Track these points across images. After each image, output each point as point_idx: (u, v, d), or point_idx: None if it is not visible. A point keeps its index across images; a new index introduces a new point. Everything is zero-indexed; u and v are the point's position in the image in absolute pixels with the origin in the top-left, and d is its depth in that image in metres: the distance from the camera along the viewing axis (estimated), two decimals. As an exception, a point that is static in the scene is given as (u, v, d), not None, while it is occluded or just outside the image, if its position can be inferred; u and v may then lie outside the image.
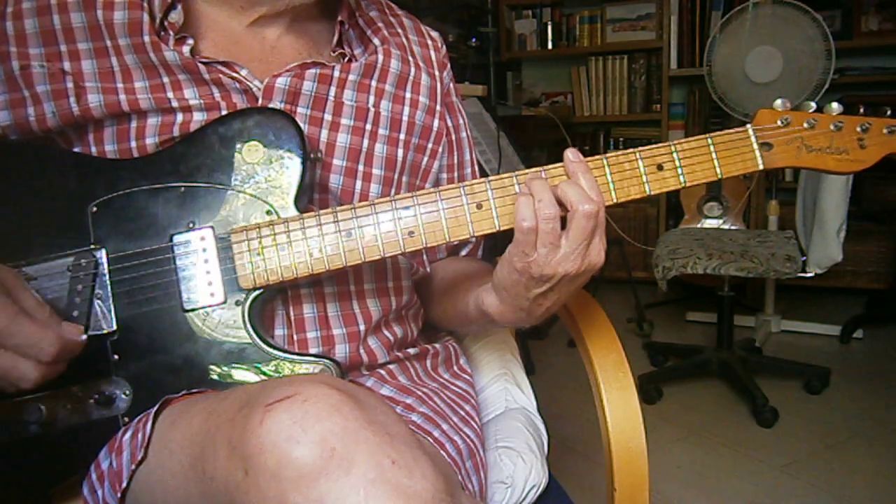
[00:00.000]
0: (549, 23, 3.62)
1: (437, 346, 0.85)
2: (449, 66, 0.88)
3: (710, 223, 3.03)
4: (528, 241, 0.62)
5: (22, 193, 0.67)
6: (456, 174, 0.89)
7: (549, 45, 3.65)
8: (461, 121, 0.90)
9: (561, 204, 0.62)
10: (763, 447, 1.95)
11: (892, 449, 1.91)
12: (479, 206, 0.66)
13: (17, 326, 0.57)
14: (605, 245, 0.64)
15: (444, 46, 0.89)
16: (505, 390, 0.96)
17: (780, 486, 1.76)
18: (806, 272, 2.17)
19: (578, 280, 0.65)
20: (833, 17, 3.04)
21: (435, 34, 0.89)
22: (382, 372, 0.77)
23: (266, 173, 0.67)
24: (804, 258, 2.17)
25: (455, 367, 0.87)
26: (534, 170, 0.66)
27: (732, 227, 2.97)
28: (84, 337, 0.62)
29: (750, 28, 2.58)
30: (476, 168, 0.92)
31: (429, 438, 0.71)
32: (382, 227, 0.66)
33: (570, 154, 0.65)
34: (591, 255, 0.63)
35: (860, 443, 1.96)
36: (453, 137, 0.88)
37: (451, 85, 0.89)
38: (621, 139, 3.63)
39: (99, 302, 0.65)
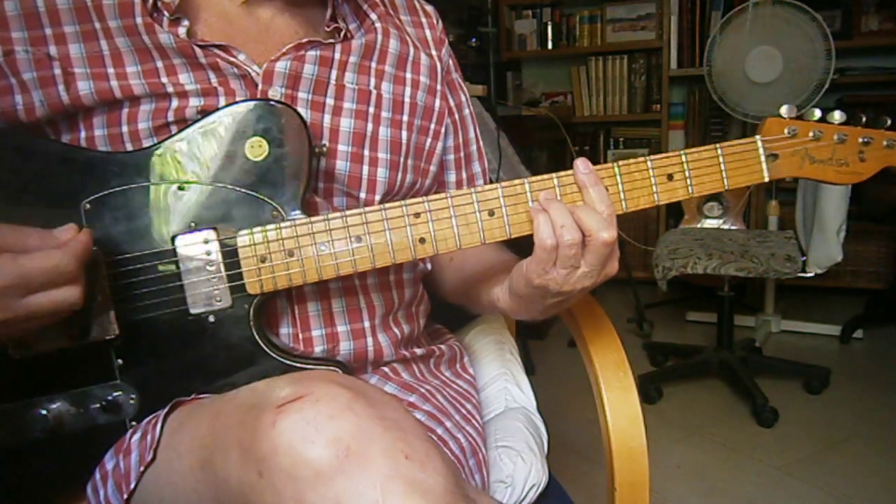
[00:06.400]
0: (549, 23, 3.62)
1: (442, 346, 0.86)
2: (447, 42, 0.86)
3: (710, 223, 3.03)
4: (549, 259, 0.63)
5: (8, 187, 0.62)
6: (462, 153, 0.87)
7: (549, 45, 3.64)
8: (463, 98, 0.88)
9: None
10: (763, 447, 1.95)
11: (892, 449, 1.91)
12: (491, 214, 0.66)
13: (28, 266, 0.54)
14: (618, 254, 0.65)
15: (440, 21, 0.86)
16: (505, 390, 0.96)
17: (780, 486, 1.76)
18: (806, 272, 2.17)
19: (592, 288, 0.66)
20: (833, 17, 3.04)
21: (429, 8, 0.86)
22: (386, 369, 0.77)
23: (270, 171, 0.65)
24: (804, 258, 2.17)
25: (457, 367, 0.87)
26: (546, 176, 0.66)
27: (732, 227, 2.97)
28: (85, 233, 0.59)
29: (750, 28, 2.58)
30: (481, 144, 0.90)
31: (432, 436, 0.70)
32: (393, 234, 0.65)
33: (581, 165, 0.65)
34: (606, 270, 0.65)
35: (860, 443, 1.96)
36: (456, 116, 0.86)
37: (451, 61, 0.87)
38: (621, 139, 3.63)
39: (99, 307, 0.62)
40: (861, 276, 3.10)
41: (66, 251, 0.56)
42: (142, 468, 0.58)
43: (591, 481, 1.71)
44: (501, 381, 0.96)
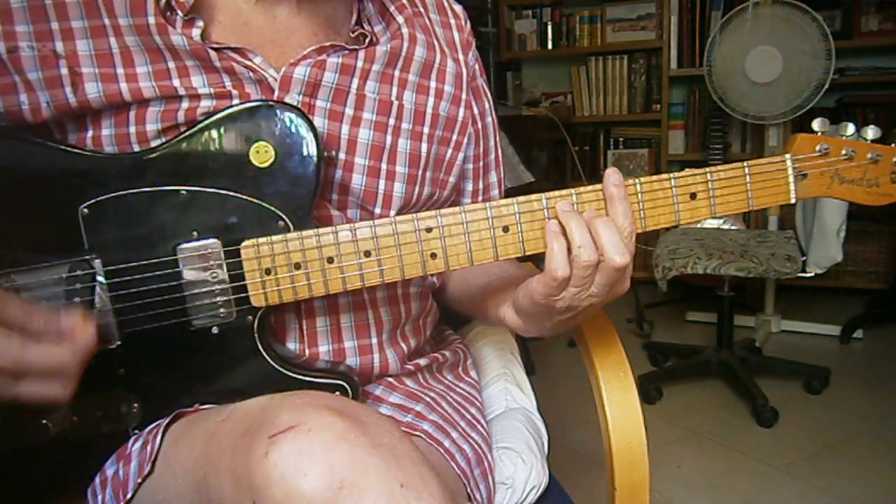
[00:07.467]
0: (549, 23, 3.62)
1: (446, 353, 0.84)
2: (474, 45, 0.82)
3: (710, 223, 3.03)
4: (558, 287, 0.60)
5: (2, 191, 0.59)
6: (481, 163, 0.85)
7: (549, 45, 3.64)
8: (487, 105, 0.85)
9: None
10: (763, 447, 1.95)
11: (892, 449, 1.91)
12: (506, 230, 0.62)
13: (30, 352, 0.52)
14: (630, 274, 0.62)
15: (468, 22, 0.82)
16: (505, 390, 0.96)
17: (780, 486, 1.76)
18: (806, 272, 2.17)
19: (600, 306, 0.65)
20: (833, 17, 3.04)
21: (458, 8, 0.82)
22: (391, 379, 0.76)
23: (277, 178, 0.61)
24: (804, 258, 2.17)
25: (459, 370, 0.87)
26: (565, 192, 0.63)
27: (732, 227, 2.97)
28: (90, 327, 0.56)
29: (750, 28, 2.58)
30: (500, 153, 0.88)
31: (440, 449, 0.70)
32: (404, 249, 0.62)
33: (613, 177, 0.62)
34: (615, 289, 0.62)
35: (860, 443, 1.96)
36: (479, 125, 0.83)
37: (477, 66, 0.83)
38: (621, 139, 3.63)
39: (100, 316, 0.59)
40: (861, 276, 3.10)
41: (72, 351, 0.54)
42: (139, 479, 0.58)
43: (591, 481, 1.71)
44: (502, 382, 0.96)
